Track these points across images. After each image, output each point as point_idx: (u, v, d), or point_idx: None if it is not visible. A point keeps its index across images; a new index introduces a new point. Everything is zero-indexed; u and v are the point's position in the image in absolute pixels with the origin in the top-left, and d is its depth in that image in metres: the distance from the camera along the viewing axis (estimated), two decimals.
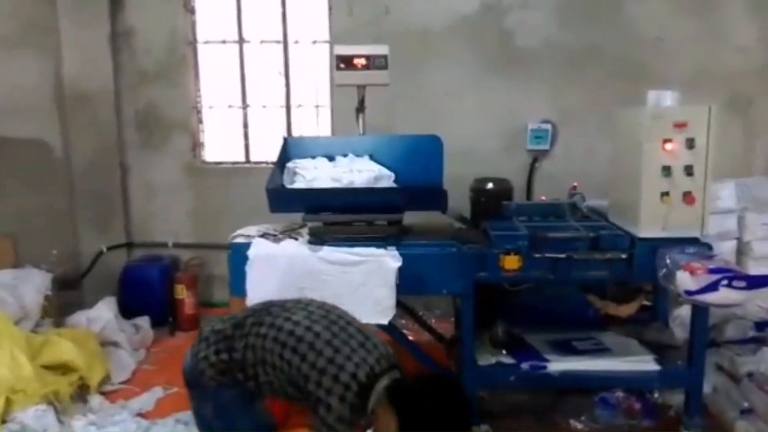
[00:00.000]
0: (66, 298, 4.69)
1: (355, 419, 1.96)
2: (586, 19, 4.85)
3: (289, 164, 3.50)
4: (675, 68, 4.72)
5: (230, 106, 5.31)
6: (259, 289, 3.11)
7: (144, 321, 4.70)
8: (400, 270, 3.08)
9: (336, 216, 3.25)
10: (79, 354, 3.75)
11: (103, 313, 4.38)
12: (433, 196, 3.27)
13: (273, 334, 2.06)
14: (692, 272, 2.69)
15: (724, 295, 2.65)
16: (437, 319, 4.71)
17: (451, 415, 1.88)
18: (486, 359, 3.25)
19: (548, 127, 4.92)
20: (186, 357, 2.18)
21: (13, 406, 3.27)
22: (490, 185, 3.79)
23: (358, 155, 3.58)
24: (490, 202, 3.66)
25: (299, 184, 3.38)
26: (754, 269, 3.98)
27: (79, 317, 4.35)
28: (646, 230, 3.01)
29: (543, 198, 4.13)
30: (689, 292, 2.71)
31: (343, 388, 1.92)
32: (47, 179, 5.04)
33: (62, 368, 3.70)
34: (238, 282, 3.20)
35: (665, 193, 2.96)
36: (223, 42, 5.22)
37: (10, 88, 4.89)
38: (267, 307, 2.21)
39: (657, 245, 2.97)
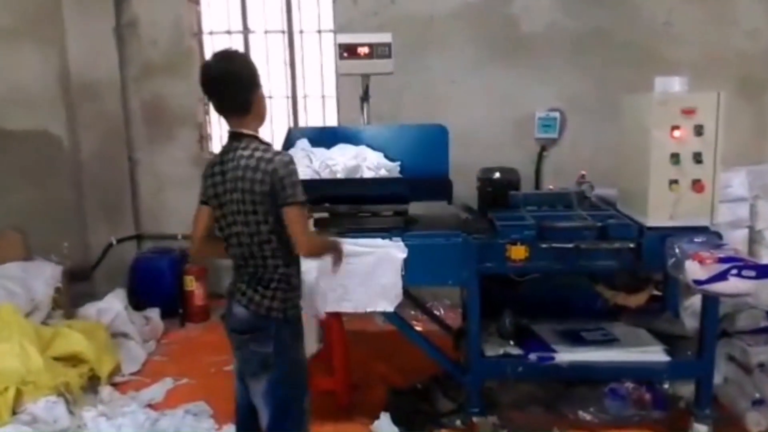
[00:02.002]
0: (76, 290, 4.74)
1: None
2: (592, 3, 4.77)
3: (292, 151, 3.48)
4: (684, 53, 4.63)
5: None
6: None
7: (154, 312, 4.75)
8: (406, 260, 3.06)
9: (341, 206, 3.24)
10: (90, 346, 3.79)
11: (114, 304, 4.42)
12: (438, 186, 3.25)
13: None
14: (701, 261, 2.64)
15: (733, 284, 2.61)
16: (446, 309, 4.69)
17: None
18: (493, 350, 3.23)
19: (556, 115, 4.85)
20: (233, 310, 2.24)
21: (23, 397, 3.31)
22: (497, 175, 3.73)
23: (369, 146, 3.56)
24: (498, 191, 3.60)
25: (303, 174, 3.36)
26: (767, 257, 3.93)
27: (90, 309, 4.39)
28: (655, 219, 2.97)
29: (551, 187, 4.09)
30: (698, 282, 2.67)
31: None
32: (55, 172, 5.05)
33: (73, 360, 3.75)
34: None
35: (674, 181, 2.91)
36: (228, 33, 5.20)
37: (15, 81, 4.89)
38: None
39: (665, 234, 2.92)
